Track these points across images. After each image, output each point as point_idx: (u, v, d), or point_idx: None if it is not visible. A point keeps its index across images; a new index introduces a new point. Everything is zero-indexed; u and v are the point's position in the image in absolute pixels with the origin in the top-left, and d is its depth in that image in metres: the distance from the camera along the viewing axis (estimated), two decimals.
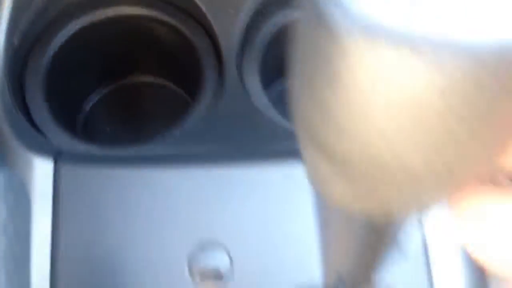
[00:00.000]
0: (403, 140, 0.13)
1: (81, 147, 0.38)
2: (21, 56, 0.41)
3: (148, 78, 0.47)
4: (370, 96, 0.12)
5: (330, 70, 0.12)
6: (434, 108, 0.12)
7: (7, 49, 0.40)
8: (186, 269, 0.31)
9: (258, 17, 0.41)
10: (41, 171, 0.33)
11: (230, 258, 0.31)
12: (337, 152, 0.14)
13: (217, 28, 0.41)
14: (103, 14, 0.42)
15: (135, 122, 0.46)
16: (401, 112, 0.12)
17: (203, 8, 0.41)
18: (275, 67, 0.41)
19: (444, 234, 0.32)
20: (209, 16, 0.41)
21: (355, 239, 0.21)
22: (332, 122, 0.14)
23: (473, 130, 0.13)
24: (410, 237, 0.20)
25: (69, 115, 0.43)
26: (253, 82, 0.40)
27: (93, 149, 0.37)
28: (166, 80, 0.47)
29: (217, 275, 0.31)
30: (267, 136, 0.37)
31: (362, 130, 0.13)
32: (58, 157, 0.34)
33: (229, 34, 0.40)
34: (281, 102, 0.41)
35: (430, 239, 0.32)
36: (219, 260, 0.31)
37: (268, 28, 0.41)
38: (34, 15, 0.41)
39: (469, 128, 0.13)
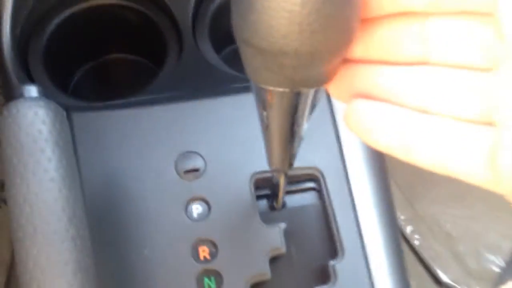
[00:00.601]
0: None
1: (81, 103, 0.50)
2: (22, 43, 0.53)
3: (123, 55, 0.60)
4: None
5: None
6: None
7: (12, 39, 0.51)
8: (174, 169, 0.45)
9: None
10: None
11: (204, 160, 0.45)
12: (260, 46, 0.23)
13: (174, 9, 0.54)
14: (84, 4, 0.55)
15: (114, 88, 0.59)
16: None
17: None
18: (222, 34, 0.54)
19: None
20: (168, 1, 0.54)
21: (279, 118, 0.30)
22: (256, 28, 0.23)
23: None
24: (316, 105, 0.32)
25: (62, 84, 0.56)
26: (206, 46, 0.53)
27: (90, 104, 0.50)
28: (137, 55, 0.60)
29: (195, 170, 0.45)
30: (219, 81, 0.51)
31: (270, 32, 0.22)
32: (68, 108, 0.47)
33: (184, 13, 0.54)
34: (229, 59, 0.55)
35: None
36: (196, 161, 0.45)
37: (213, 4, 0.54)
38: (29, 12, 0.53)
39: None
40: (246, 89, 0.46)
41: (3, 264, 0.85)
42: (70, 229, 0.34)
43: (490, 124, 0.23)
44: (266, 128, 0.32)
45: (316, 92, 0.28)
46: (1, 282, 0.84)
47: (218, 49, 0.55)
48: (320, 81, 0.26)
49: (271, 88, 0.26)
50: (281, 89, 0.26)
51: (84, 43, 0.57)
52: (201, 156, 0.45)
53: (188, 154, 0.45)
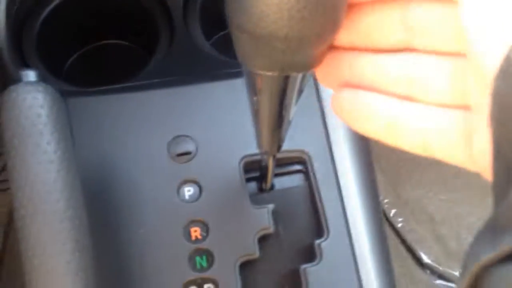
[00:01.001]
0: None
1: (75, 88, 0.52)
2: (17, 26, 0.54)
3: (115, 41, 0.61)
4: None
5: None
6: None
7: (6, 25, 0.52)
8: (167, 152, 0.46)
9: None
10: None
11: (196, 143, 0.47)
12: (252, 31, 0.25)
13: None
14: None
15: (106, 74, 0.60)
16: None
17: None
18: (212, 20, 0.56)
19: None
20: None
21: (269, 102, 0.31)
22: (248, 14, 0.24)
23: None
24: (303, 89, 0.33)
25: (56, 69, 0.57)
26: (197, 32, 0.55)
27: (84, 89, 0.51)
28: (129, 42, 0.61)
29: (187, 154, 0.46)
30: (210, 67, 0.52)
31: (261, 17, 0.24)
32: (62, 93, 0.48)
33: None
34: (219, 45, 0.56)
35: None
36: (188, 144, 0.46)
37: None
38: None
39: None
40: (236, 75, 0.48)
41: None
42: (69, 209, 0.35)
43: (466, 108, 0.25)
44: (256, 112, 0.33)
45: (303, 77, 0.29)
46: None
47: (208, 35, 0.56)
48: (308, 65, 0.27)
49: (261, 72, 0.28)
50: (270, 73, 0.27)
51: (77, 29, 0.58)
52: (192, 139, 0.46)
53: (180, 137, 0.46)
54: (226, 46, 0.55)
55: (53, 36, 0.55)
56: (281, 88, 0.29)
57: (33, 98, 0.37)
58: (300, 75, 0.29)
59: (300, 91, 0.31)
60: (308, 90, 0.49)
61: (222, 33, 0.60)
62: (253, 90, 0.31)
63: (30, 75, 0.39)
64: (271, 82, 0.29)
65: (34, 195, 0.35)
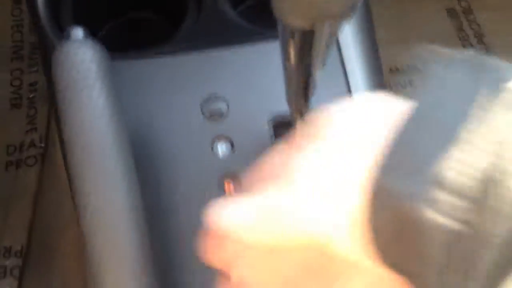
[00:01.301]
0: None
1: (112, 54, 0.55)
2: (53, 3, 0.57)
3: (143, 14, 0.64)
4: None
5: None
6: None
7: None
8: (200, 111, 0.49)
9: None
10: None
11: (227, 103, 0.50)
12: None
13: None
14: None
15: (133, 46, 0.63)
16: None
17: None
18: None
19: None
20: None
21: (299, 57, 0.33)
22: None
23: None
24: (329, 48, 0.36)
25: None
26: (224, 3, 0.57)
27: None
28: (156, 14, 0.64)
29: (219, 112, 0.49)
30: (237, 36, 0.55)
31: None
32: None
33: None
34: (245, 14, 0.59)
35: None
36: (219, 103, 0.49)
37: None
38: None
39: None
40: (267, 38, 0.51)
41: (24, 226, 0.90)
42: (119, 161, 0.38)
43: None
44: (289, 74, 0.36)
45: (336, 28, 0.31)
46: (22, 244, 0.89)
47: (234, 5, 0.59)
48: (344, 14, 0.29)
49: (297, 23, 0.29)
50: (306, 23, 0.29)
51: (107, 2, 0.61)
52: (225, 99, 0.49)
53: (213, 97, 0.49)
54: (252, 15, 0.58)
55: (87, 7, 0.58)
56: (314, 40, 0.31)
57: (84, 53, 0.39)
58: (331, 24, 0.30)
59: (330, 45, 0.33)
60: (332, 57, 0.51)
61: (247, 3, 0.62)
62: (286, 52, 0.33)
63: (79, 32, 0.41)
64: (305, 33, 0.30)
65: (88, 145, 0.38)
